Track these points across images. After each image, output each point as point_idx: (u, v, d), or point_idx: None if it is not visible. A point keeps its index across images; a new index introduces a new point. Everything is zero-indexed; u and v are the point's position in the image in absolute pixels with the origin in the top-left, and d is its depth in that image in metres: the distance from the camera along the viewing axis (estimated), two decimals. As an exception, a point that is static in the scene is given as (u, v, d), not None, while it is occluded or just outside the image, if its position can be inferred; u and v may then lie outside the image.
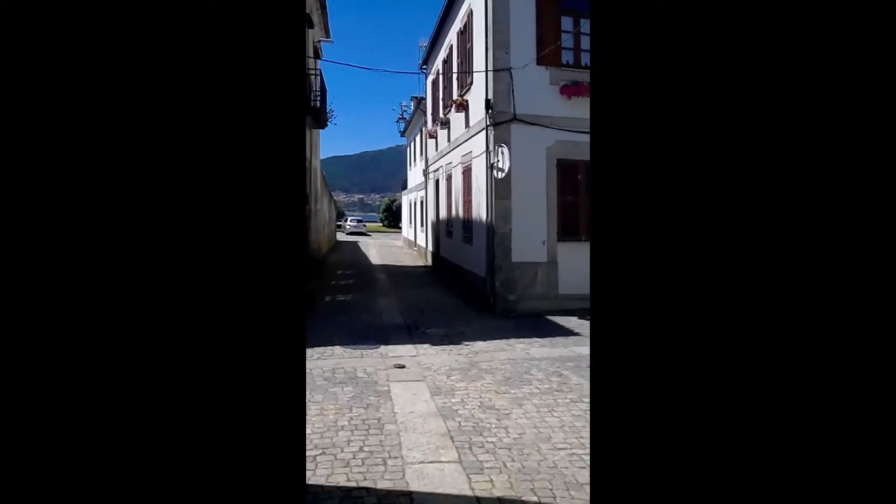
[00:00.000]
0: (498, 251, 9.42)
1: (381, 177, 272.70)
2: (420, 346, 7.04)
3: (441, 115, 14.81)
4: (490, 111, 9.48)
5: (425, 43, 18.32)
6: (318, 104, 13.15)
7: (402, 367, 6.06)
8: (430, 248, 18.50)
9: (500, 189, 9.42)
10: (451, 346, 7.08)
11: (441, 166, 15.41)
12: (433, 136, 16.37)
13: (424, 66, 18.80)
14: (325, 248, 20.76)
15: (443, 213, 15.45)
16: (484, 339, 7.37)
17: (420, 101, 19.42)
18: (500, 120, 9.39)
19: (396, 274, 15.14)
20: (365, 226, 44.19)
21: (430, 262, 18.24)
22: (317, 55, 15.33)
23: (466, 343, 7.24)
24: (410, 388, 5.30)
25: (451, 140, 13.69)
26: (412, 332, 7.83)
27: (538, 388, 5.27)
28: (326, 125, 14.18)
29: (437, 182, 16.71)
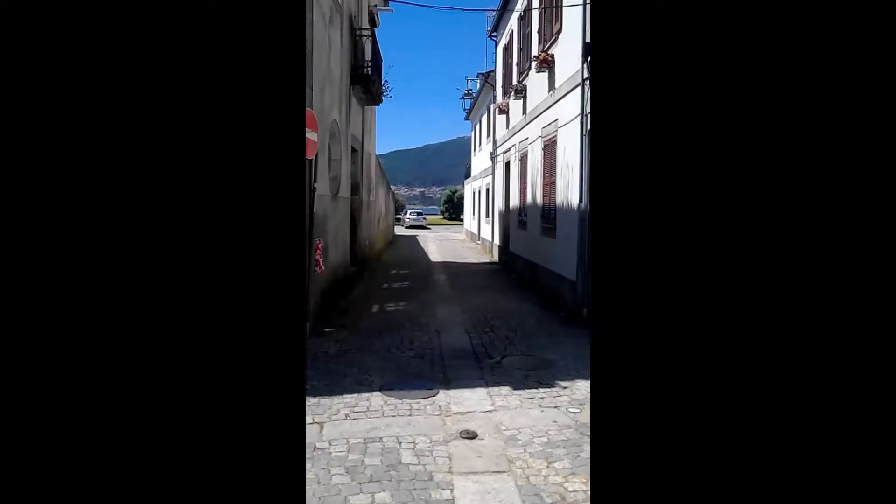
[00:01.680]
0: (597, 248, 6.97)
1: (442, 169, 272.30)
2: (496, 389, 4.75)
3: (515, 82, 12.39)
4: (590, 58, 7.02)
5: (493, 12, 16.04)
6: (369, 72, 11.00)
7: (473, 435, 3.78)
8: (496, 241, 16.14)
9: (600, 165, 6.95)
10: (542, 388, 4.76)
11: (513, 145, 13.02)
12: (503, 110, 13.97)
13: (494, 34, 16.42)
14: (381, 244, 18.77)
15: (514, 201, 13.06)
16: (585, 374, 5.01)
17: (488, 76, 17.02)
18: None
19: (458, 273, 12.88)
20: (425, 218, 42.18)
21: (496, 258, 15.90)
22: (373, 23, 13.25)
23: (562, 382, 4.90)
24: (488, 496, 3.01)
25: (528, 111, 11.26)
26: (482, 363, 5.55)
27: None
28: (381, 100, 12.03)
29: (506, 165, 14.32)
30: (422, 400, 4.47)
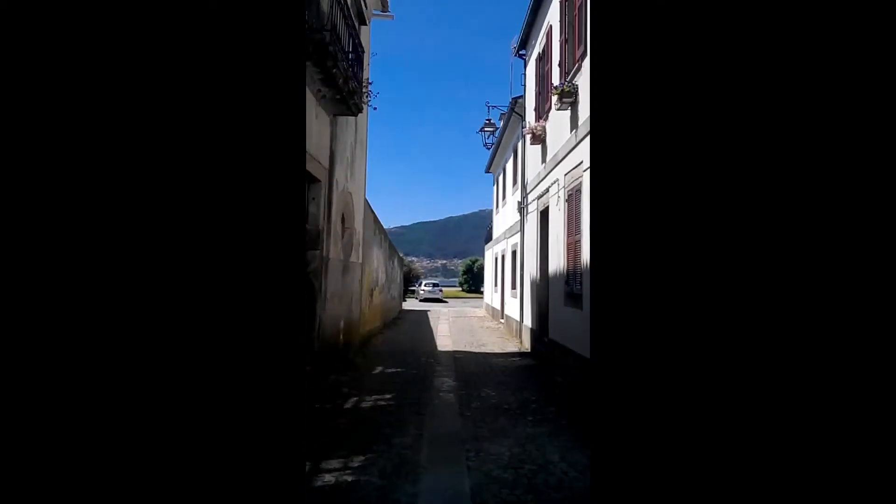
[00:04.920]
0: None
1: (463, 242, 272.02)
2: None
3: (558, 83, 8.41)
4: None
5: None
6: (330, 46, 7.05)
7: None
8: (526, 322, 11.71)
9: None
10: None
11: (556, 180, 8.90)
12: (538, 136, 9.91)
13: (522, 51, 12.69)
14: (377, 323, 14.43)
15: (555, 263, 8.78)
16: None
17: (515, 104, 13.14)
18: None
19: (473, 376, 8.41)
20: (441, 291, 37.85)
21: (526, 346, 11.44)
22: (361, 20, 9.57)
23: None
24: None
25: (582, 121, 7.22)
26: None
27: None
28: (361, 108, 8.04)
29: (542, 213, 10.14)
30: None
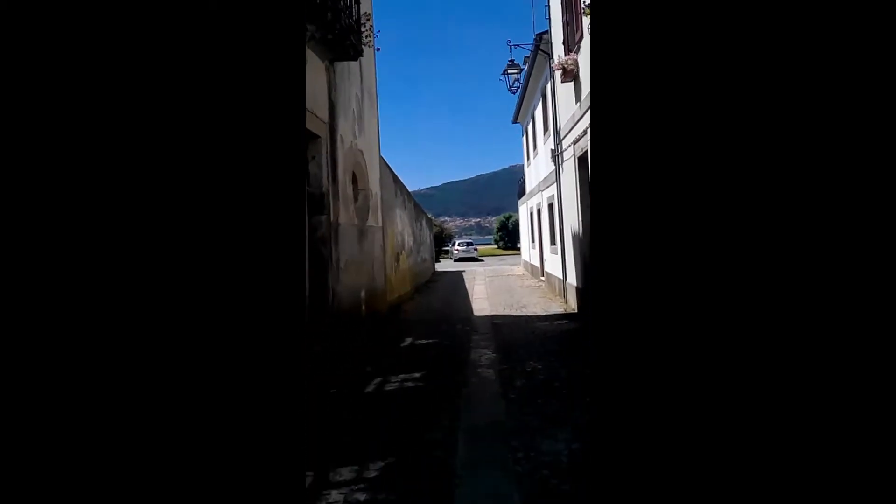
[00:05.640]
0: None
1: (496, 198, 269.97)
2: None
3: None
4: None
5: None
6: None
7: None
8: (571, 280, 10.66)
9: None
10: None
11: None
12: (571, 71, 8.65)
13: (545, -24, 11.27)
14: (407, 288, 13.59)
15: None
16: None
17: (540, 39, 11.76)
18: None
19: (515, 344, 7.47)
20: (476, 249, 36.86)
21: (572, 306, 10.42)
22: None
23: None
24: None
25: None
26: None
27: None
28: (361, 51, 6.94)
29: (580, 159, 8.96)
30: None
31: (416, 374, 5.87)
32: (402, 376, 5.81)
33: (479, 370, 5.93)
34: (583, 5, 7.83)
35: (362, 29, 6.78)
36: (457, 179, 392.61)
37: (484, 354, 6.71)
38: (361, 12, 6.91)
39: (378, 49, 7.64)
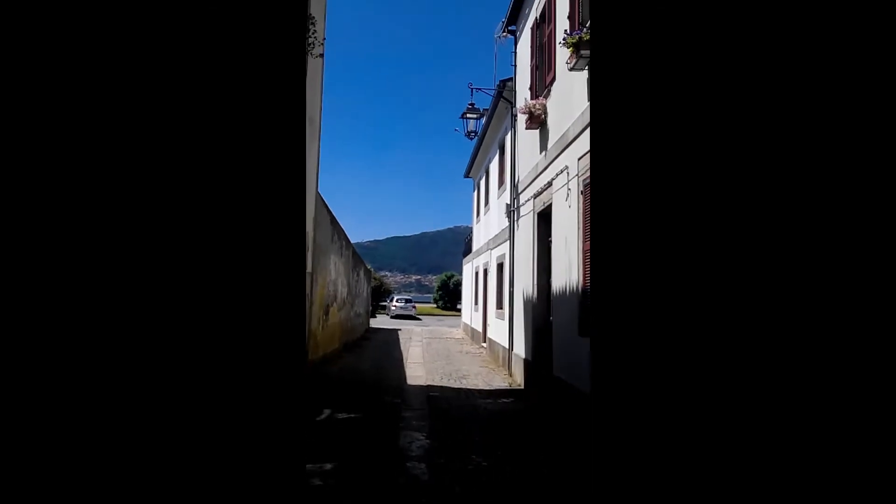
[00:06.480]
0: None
1: (438, 257, 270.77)
2: None
3: (575, 29, 6.34)
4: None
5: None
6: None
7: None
8: (519, 350, 9.57)
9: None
10: None
11: (563, 169, 6.82)
12: (536, 118, 7.82)
13: (511, 26, 10.70)
14: (335, 346, 12.13)
15: (563, 278, 6.65)
16: None
17: (504, 85, 11.04)
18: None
19: (455, 427, 6.20)
20: (415, 307, 35.49)
21: (517, 380, 9.29)
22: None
23: None
24: None
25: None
26: None
27: None
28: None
29: (541, 215, 8.04)
30: None
31: (328, 467, 4.50)
32: (309, 467, 4.44)
33: (409, 465, 4.63)
34: (556, 48, 7.10)
35: (307, 34, 5.73)
36: (401, 235, 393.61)
37: (416, 440, 5.41)
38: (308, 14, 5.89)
39: (321, 55, 6.55)
